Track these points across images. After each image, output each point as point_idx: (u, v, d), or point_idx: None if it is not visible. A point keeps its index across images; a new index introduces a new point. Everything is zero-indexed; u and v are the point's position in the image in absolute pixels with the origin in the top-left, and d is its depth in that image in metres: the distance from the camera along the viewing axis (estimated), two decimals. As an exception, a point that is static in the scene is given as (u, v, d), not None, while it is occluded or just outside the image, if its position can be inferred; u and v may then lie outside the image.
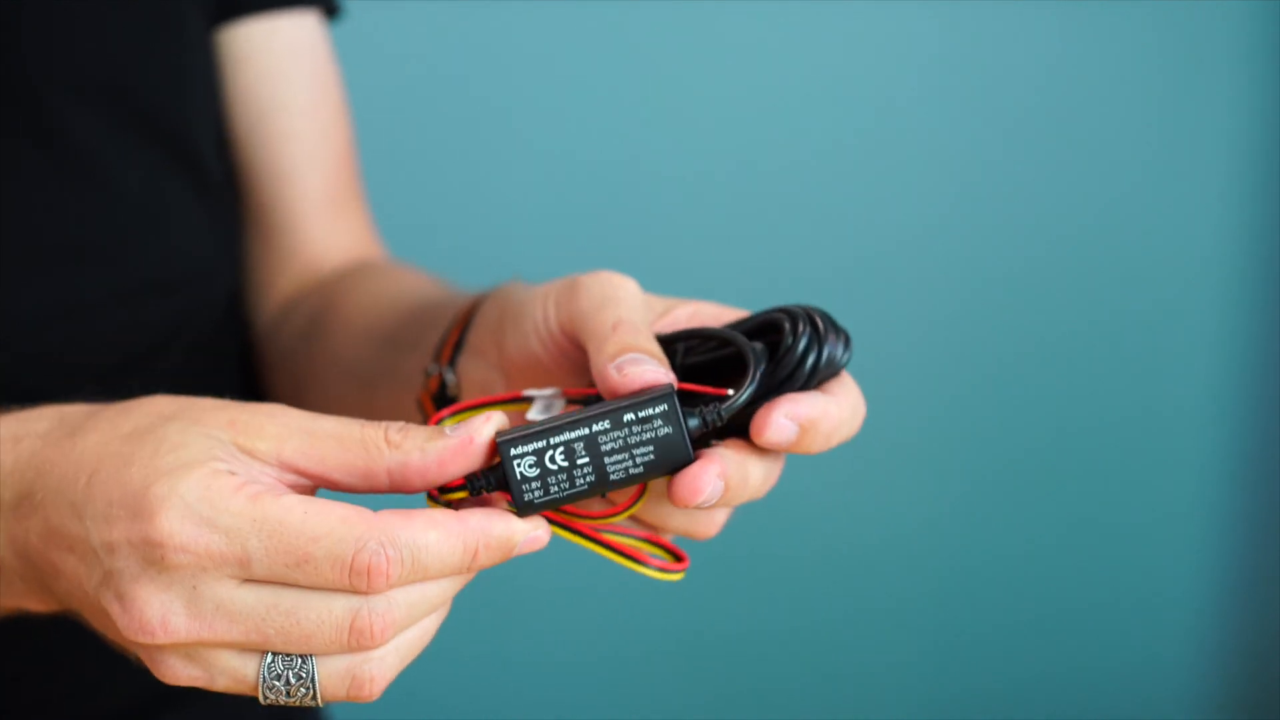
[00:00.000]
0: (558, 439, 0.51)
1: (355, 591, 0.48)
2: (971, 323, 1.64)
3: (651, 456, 0.51)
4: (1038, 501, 1.69)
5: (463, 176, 1.51)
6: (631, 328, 0.53)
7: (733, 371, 0.53)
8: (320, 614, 0.48)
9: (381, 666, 0.49)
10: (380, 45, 1.45)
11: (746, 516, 1.68)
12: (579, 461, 0.51)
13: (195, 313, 0.79)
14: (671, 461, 0.51)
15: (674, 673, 1.67)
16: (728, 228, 1.58)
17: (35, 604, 0.55)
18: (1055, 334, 1.66)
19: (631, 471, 0.51)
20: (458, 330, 0.63)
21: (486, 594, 1.58)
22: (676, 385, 0.52)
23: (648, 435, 0.51)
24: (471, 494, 0.52)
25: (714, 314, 0.57)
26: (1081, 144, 1.62)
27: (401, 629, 0.49)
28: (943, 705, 1.71)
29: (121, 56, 0.75)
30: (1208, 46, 1.62)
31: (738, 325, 0.55)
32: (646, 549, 0.55)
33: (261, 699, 0.49)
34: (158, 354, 0.76)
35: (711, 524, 0.56)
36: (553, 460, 0.51)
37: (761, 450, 0.53)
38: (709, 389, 0.53)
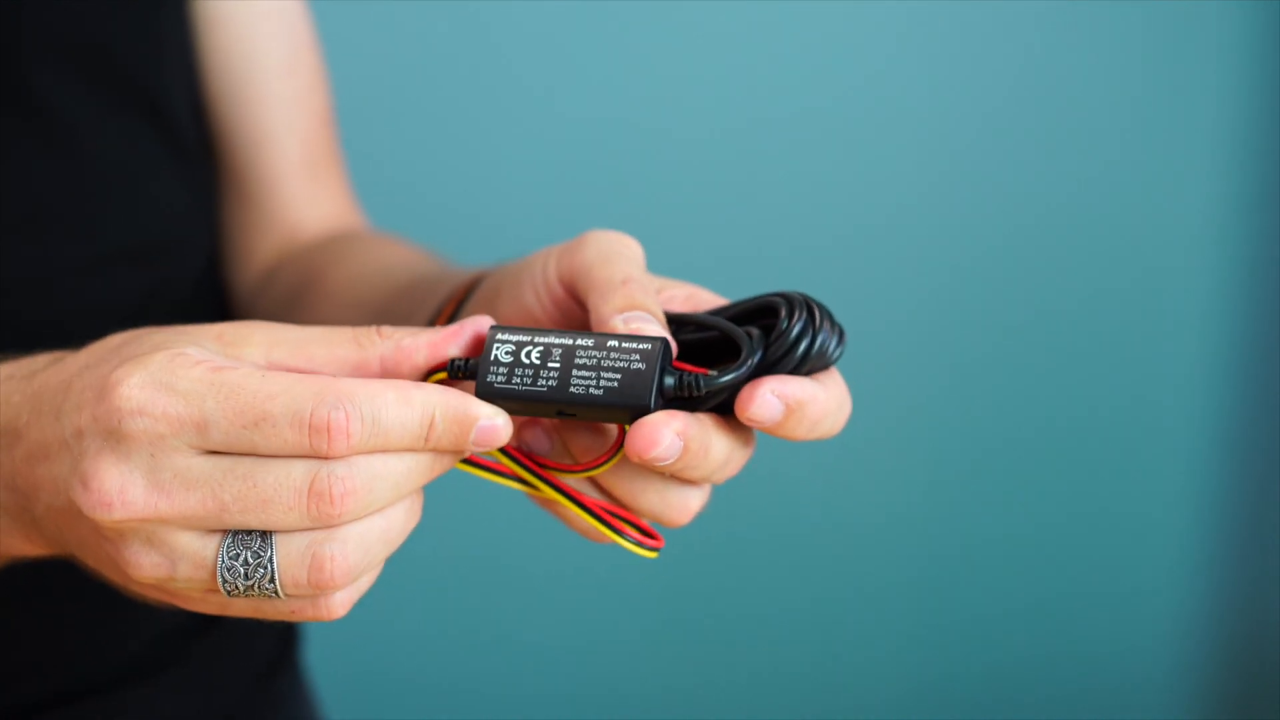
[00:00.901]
0: (542, 339, 0.52)
1: (315, 454, 0.47)
2: (960, 315, 1.64)
3: (615, 384, 0.51)
4: (1024, 493, 1.70)
5: (450, 158, 1.51)
6: (641, 286, 0.53)
7: (722, 356, 0.53)
8: (278, 477, 0.47)
9: (343, 549, 0.48)
10: (372, 25, 1.45)
11: (738, 507, 1.69)
12: (549, 364, 0.51)
13: (173, 278, 0.78)
14: (631, 399, 0.51)
15: (660, 662, 1.67)
16: (720, 221, 1.58)
17: (23, 543, 0.54)
18: (1043, 326, 1.66)
19: (591, 391, 0.51)
20: (455, 301, 0.63)
21: (478, 583, 1.58)
22: (675, 349, 0.52)
23: (620, 364, 0.51)
24: (450, 376, 0.52)
25: (709, 300, 0.56)
26: (1069, 140, 1.62)
27: (363, 503, 0.47)
28: (930, 694, 1.72)
29: (93, 18, 0.74)
30: (1194, 42, 1.62)
31: (735, 305, 0.55)
32: (623, 522, 0.54)
33: (221, 585, 0.48)
34: (135, 320, 0.75)
35: (684, 509, 0.55)
36: (528, 355, 0.52)
37: (732, 428, 0.53)
38: (695, 368, 0.52)
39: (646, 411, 0.50)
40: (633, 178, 1.55)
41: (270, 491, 0.47)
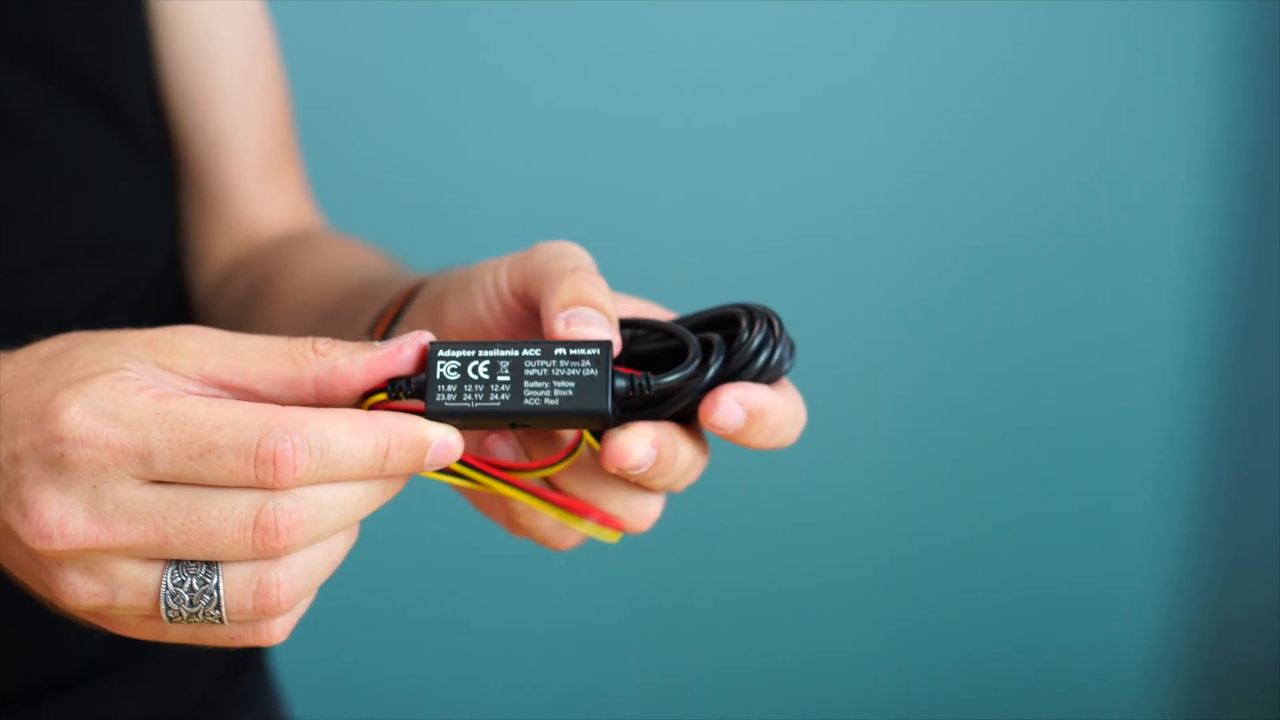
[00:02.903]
0: (486, 352, 0.51)
1: (261, 485, 0.46)
2: (939, 314, 1.65)
3: (570, 393, 0.51)
4: (1001, 491, 1.70)
5: (410, 157, 1.50)
6: (588, 276, 0.54)
7: (675, 364, 0.54)
8: (223, 510, 0.46)
9: (289, 575, 0.47)
10: (333, 23, 1.44)
11: (716, 505, 1.68)
12: (499, 378, 0.51)
13: (132, 277, 0.78)
14: (587, 406, 0.51)
15: (636, 659, 1.67)
16: (696, 222, 1.58)
17: None
18: (1021, 326, 1.66)
19: (546, 402, 0.51)
20: (396, 307, 0.63)
21: (447, 581, 1.58)
22: (618, 347, 0.53)
23: (572, 372, 0.51)
24: (390, 396, 0.51)
25: (661, 315, 0.57)
26: (1048, 142, 1.62)
27: (310, 534, 0.47)
28: (908, 691, 1.73)
29: (51, 17, 0.74)
30: (1173, 46, 1.62)
31: (696, 315, 0.56)
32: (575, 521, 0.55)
33: (164, 613, 0.47)
34: (94, 318, 0.75)
35: (646, 515, 0.56)
36: (475, 370, 0.51)
37: (693, 437, 0.54)
38: (639, 372, 0.53)
39: (606, 416, 0.51)
40: (600, 180, 1.55)
41: (215, 525, 0.46)
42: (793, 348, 0.54)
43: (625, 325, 0.55)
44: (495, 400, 0.51)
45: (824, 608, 1.70)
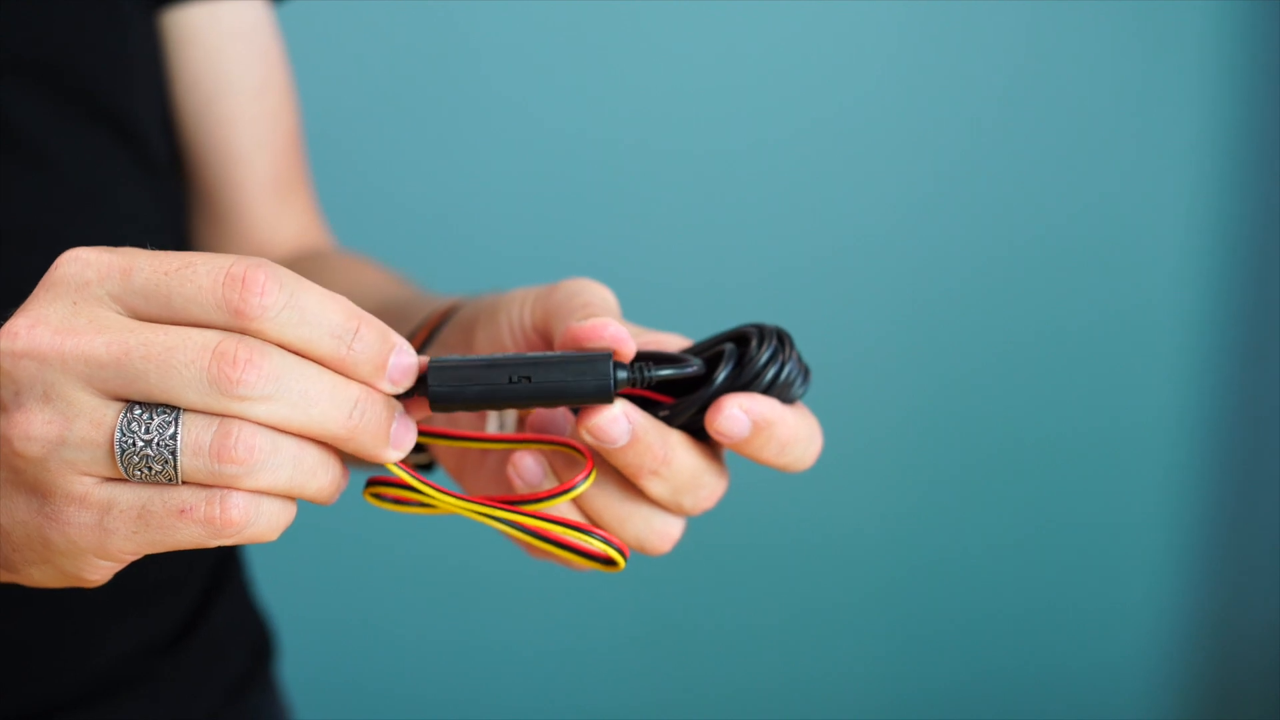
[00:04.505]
0: (488, 359, 0.52)
1: (228, 306, 0.46)
2: (945, 326, 1.66)
3: (573, 355, 0.52)
4: (1006, 501, 1.71)
5: (418, 176, 1.51)
6: (604, 312, 0.54)
7: (688, 392, 0.55)
8: (188, 333, 0.46)
9: (251, 427, 0.46)
10: (343, 43, 1.45)
11: (725, 518, 1.69)
12: (499, 355, 0.52)
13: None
14: (591, 370, 0.51)
15: (641, 670, 1.67)
16: (709, 235, 1.58)
17: None
18: (1026, 337, 1.68)
19: (547, 354, 0.52)
20: (428, 329, 0.63)
21: (454, 601, 1.58)
22: (622, 356, 0.53)
23: (574, 368, 0.52)
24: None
25: (679, 345, 0.57)
26: (1051, 149, 1.63)
27: (267, 381, 0.46)
28: (912, 700, 1.72)
29: (58, 36, 0.74)
30: (1176, 44, 1.62)
31: (713, 338, 0.56)
32: (585, 539, 0.55)
33: (118, 454, 0.46)
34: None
35: (666, 536, 0.56)
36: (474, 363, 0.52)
37: (704, 452, 0.55)
38: (658, 396, 0.54)
39: (608, 376, 0.51)
40: (612, 198, 1.56)
41: (177, 340, 0.46)
42: (807, 372, 0.55)
43: (638, 358, 0.55)
44: (497, 355, 0.51)
45: (831, 619, 1.69)
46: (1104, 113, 1.62)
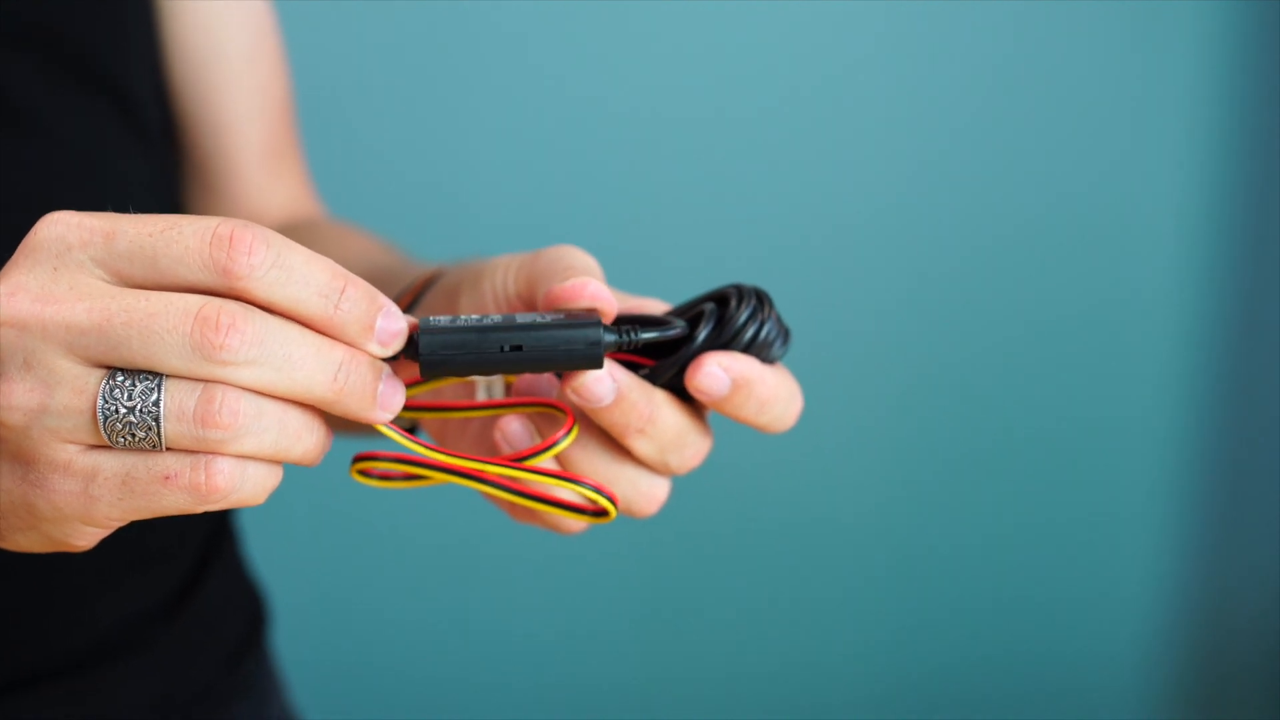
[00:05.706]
0: (476, 321, 0.52)
1: (214, 266, 0.45)
2: (936, 315, 1.65)
3: (562, 317, 0.52)
4: (998, 493, 1.71)
5: (411, 146, 1.51)
6: (588, 276, 0.54)
7: (670, 354, 0.55)
8: (170, 299, 0.45)
9: (236, 392, 0.46)
10: (335, 13, 1.44)
11: (716, 503, 1.67)
12: (489, 317, 0.52)
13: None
14: (580, 331, 0.51)
15: (637, 658, 1.67)
16: (698, 218, 1.58)
17: None
18: (1018, 327, 1.67)
19: (538, 321, 0.52)
20: (412, 295, 0.63)
21: (450, 571, 1.59)
22: (604, 315, 0.53)
23: (564, 330, 0.52)
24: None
25: (661, 309, 0.58)
26: (1043, 141, 1.62)
27: (251, 345, 0.46)
28: (905, 692, 1.73)
29: (55, 5, 0.74)
30: (1170, 38, 1.62)
31: (694, 300, 0.57)
32: (574, 489, 0.55)
33: (101, 421, 0.46)
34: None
35: (652, 498, 0.57)
36: (465, 318, 0.52)
37: (687, 410, 0.55)
38: (640, 359, 0.55)
39: (599, 342, 0.51)
40: (600, 174, 1.55)
41: (159, 305, 0.45)
42: (786, 333, 0.55)
43: (622, 322, 0.56)
44: (488, 322, 0.51)
45: (822, 610, 1.70)
46: (1098, 104, 1.62)
